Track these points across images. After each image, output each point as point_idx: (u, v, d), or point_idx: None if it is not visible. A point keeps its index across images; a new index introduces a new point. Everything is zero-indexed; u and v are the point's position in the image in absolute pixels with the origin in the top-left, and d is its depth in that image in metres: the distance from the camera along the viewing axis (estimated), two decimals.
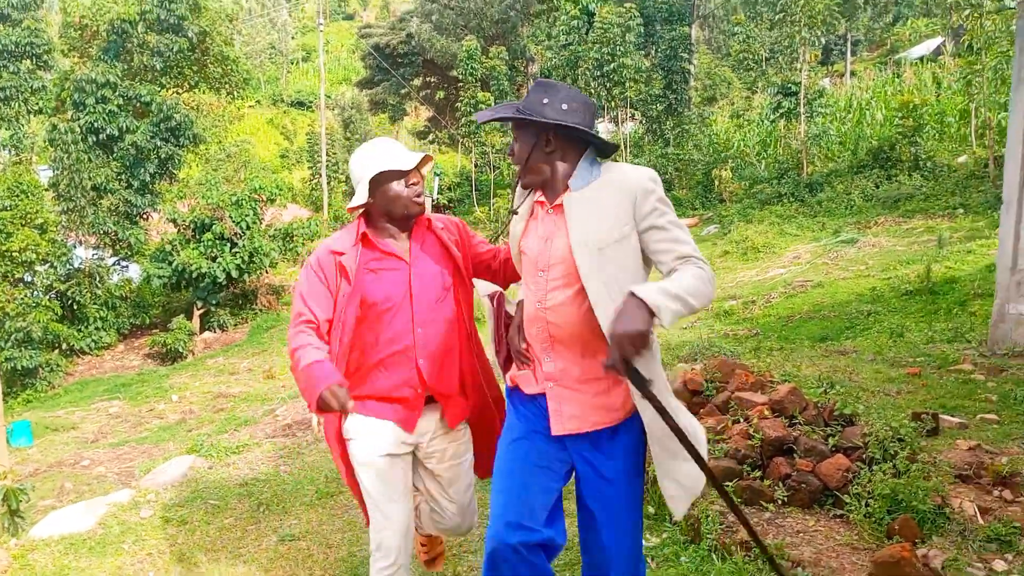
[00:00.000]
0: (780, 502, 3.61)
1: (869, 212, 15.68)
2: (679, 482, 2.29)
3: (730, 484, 3.73)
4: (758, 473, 3.78)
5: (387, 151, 2.58)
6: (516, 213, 2.43)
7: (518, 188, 2.47)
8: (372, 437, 2.65)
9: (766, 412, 4.03)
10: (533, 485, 2.32)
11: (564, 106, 2.28)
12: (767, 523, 3.49)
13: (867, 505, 3.40)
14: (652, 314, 2.00)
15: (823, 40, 19.78)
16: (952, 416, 4.57)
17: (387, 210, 2.59)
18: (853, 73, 32.27)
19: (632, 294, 2.02)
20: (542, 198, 2.38)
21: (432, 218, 2.73)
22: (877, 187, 16.52)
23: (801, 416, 4.04)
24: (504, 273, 2.81)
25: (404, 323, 2.61)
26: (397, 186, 2.56)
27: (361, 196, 2.56)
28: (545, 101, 2.29)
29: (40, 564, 4.00)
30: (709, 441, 4.07)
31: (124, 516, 4.47)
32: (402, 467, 2.71)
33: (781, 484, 3.67)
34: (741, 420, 4.08)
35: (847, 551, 3.24)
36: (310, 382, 2.40)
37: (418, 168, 2.62)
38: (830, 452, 3.76)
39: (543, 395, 2.36)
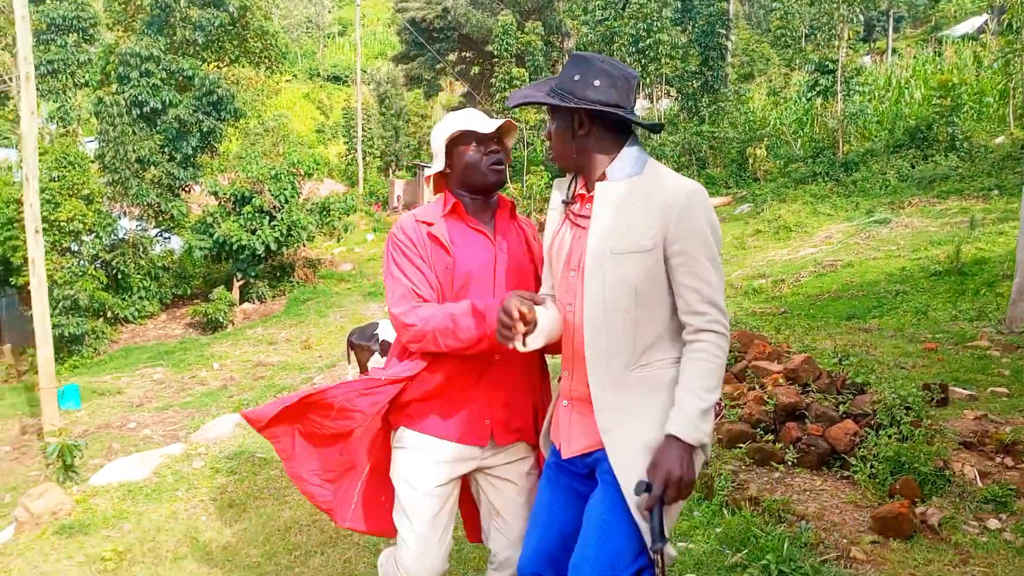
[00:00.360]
0: (790, 463, 3.83)
1: (904, 192, 15.59)
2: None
3: (743, 446, 3.96)
4: (771, 437, 4.00)
5: (468, 116, 2.41)
6: (567, 203, 2.17)
7: (566, 176, 2.23)
8: (429, 459, 2.34)
9: (780, 380, 4.24)
10: (554, 523, 2.19)
11: (596, 83, 2.01)
12: (776, 482, 3.72)
13: (871, 467, 3.60)
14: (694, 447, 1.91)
15: (862, 17, 19.51)
16: (964, 388, 4.74)
17: (464, 178, 2.39)
18: (895, 50, 31.70)
19: (675, 438, 1.90)
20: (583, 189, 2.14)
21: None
22: (913, 167, 16.39)
23: (814, 384, 4.25)
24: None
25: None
26: (474, 151, 2.37)
27: (439, 162, 2.41)
28: (577, 78, 2.03)
29: (101, 508, 4.35)
30: (726, 407, 4.31)
31: (177, 467, 4.81)
32: (453, 496, 2.42)
33: (792, 447, 3.88)
34: (757, 387, 4.29)
35: (850, 508, 3.45)
36: (474, 317, 2.19)
37: (500, 136, 2.43)
38: (840, 418, 3.96)
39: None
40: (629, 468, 1.95)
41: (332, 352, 13.82)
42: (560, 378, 2.20)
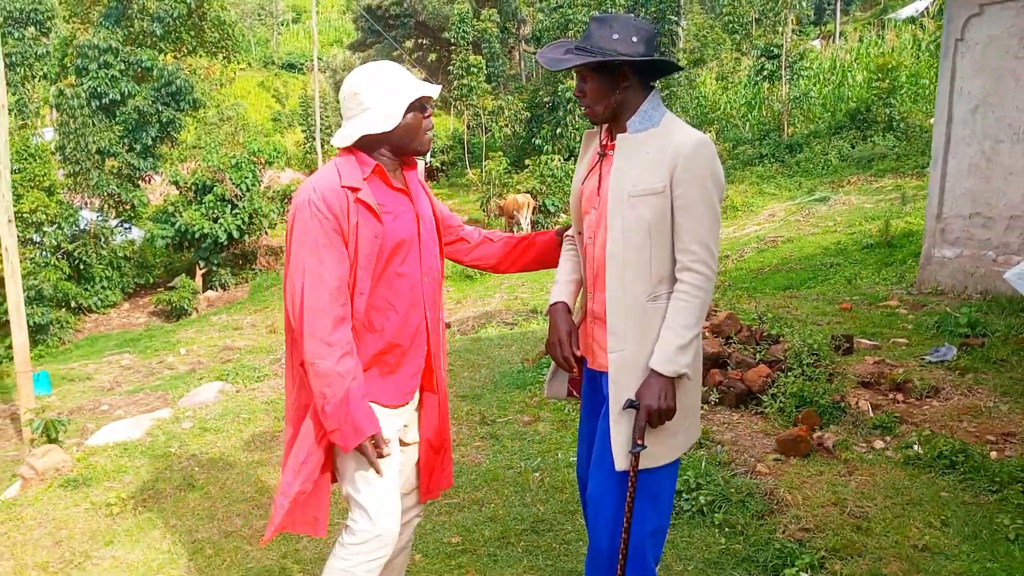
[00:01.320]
0: (713, 403, 4.42)
1: (844, 172, 16.40)
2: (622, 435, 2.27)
3: None
4: None
5: (408, 75, 2.35)
6: (603, 155, 2.34)
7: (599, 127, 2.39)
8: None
9: (707, 334, 4.82)
10: (586, 435, 2.50)
11: (634, 38, 2.17)
12: (701, 418, 4.30)
13: (780, 402, 4.21)
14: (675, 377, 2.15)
15: (804, 4, 20.25)
16: (869, 340, 5.39)
17: (405, 142, 2.33)
18: (842, 34, 32.62)
19: (656, 372, 2.14)
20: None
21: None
22: (853, 147, 17.22)
23: (736, 337, 4.85)
24: (446, 248, 2.67)
25: (414, 269, 2.38)
26: (422, 116, 2.33)
27: (391, 121, 2.26)
28: (616, 36, 2.17)
29: (101, 464, 4.78)
30: None
31: (168, 428, 5.25)
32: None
33: (715, 389, 4.47)
34: None
35: (760, 435, 4.05)
36: (349, 419, 2.19)
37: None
38: (756, 364, 4.56)
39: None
40: (623, 389, 2.21)
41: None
42: (582, 296, 2.46)
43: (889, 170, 15.58)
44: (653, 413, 2.13)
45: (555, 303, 2.45)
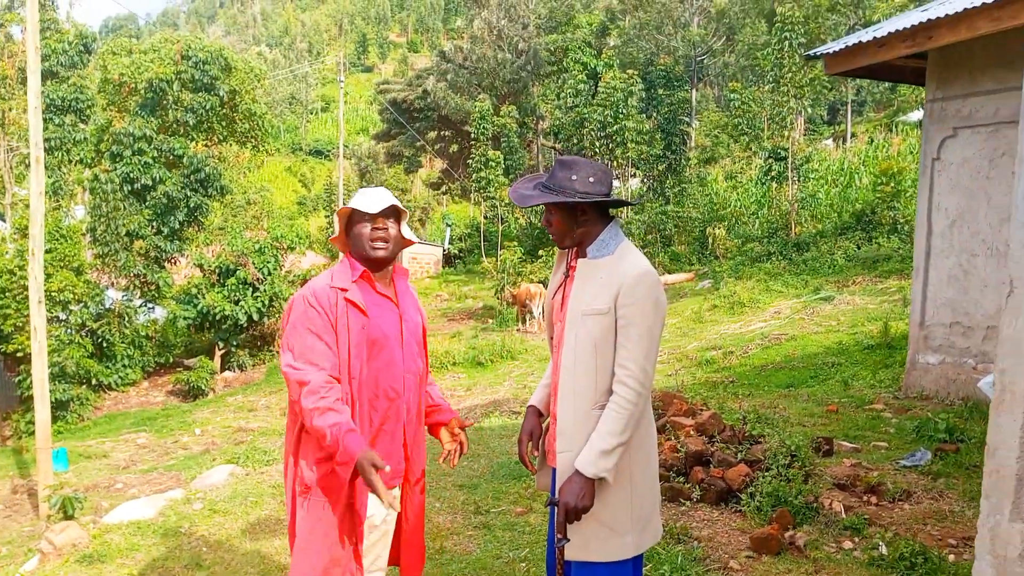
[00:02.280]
0: (695, 499, 4.66)
1: (849, 272, 16.76)
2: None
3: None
4: (681, 478, 4.84)
5: (368, 195, 2.70)
6: (567, 274, 2.66)
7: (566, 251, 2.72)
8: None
9: (692, 432, 5.10)
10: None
11: (591, 179, 2.52)
12: (682, 514, 4.54)
13: (757, 501, 4.45)
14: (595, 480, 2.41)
15: (809, 110, 21.04)
16: (850, 443, 5.62)
17: (354, 248, 2.70)
18: (854, 134, 33.44)
19: (578, 471, 2.40)
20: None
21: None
22: (858, 248, 17.62)
23: (719, 436, 5.11)
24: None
25: (397, 365, 2.67)
26: (361, 227, 2.65)
27: (336, 228, 2.75)
28: (575, 178, 2.52)
29: (115, 541, 5.06)
30: None
31: (179, 508, 5.54)
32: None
33: (697, 486, 4.72)
34: (672, 438, 5.15)
35: (736, 533, 4.28)
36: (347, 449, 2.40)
37: (390, 218, 2.70)
38: (737, 463, 4.81)
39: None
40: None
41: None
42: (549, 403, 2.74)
43: (893, 271, 15.90)
44: (570, 510, 2.38)
45: (529, 405, 2.78)
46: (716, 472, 4.77)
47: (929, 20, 5.99)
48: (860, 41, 6.64)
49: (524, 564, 4.20)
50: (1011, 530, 2.79)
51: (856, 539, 4.18)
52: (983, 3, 5.54)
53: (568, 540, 2.46)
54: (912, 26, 6.16)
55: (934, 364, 6.80)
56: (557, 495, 2.46)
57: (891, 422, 6.23)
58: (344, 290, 2.59)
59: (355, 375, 2.56)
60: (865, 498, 4.68)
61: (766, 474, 4.60)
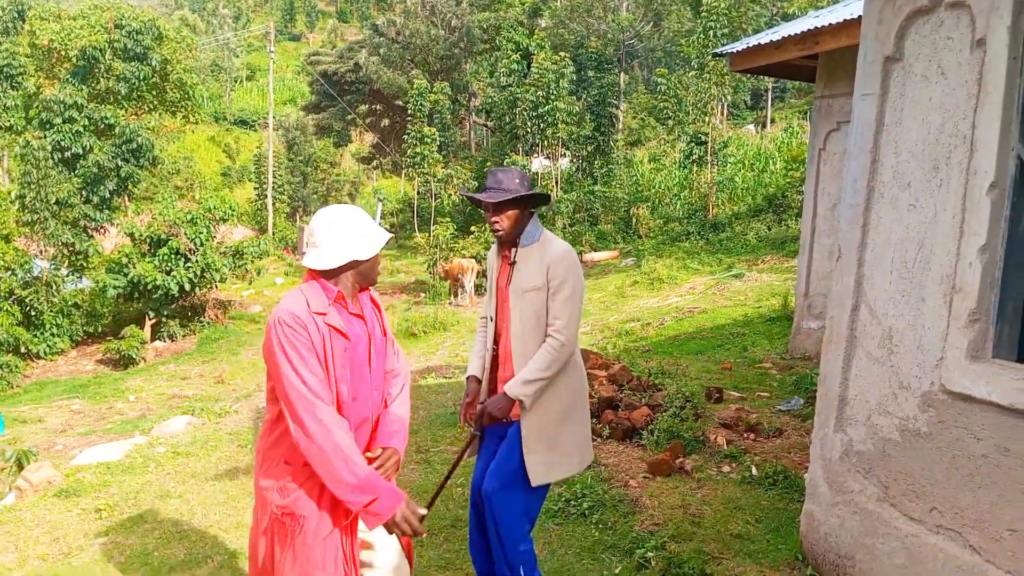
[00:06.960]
0: (604, 436, 5.48)
1: (760, 251, 17.96)
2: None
3: None
4: (594, 420, 5.65)
5: (371, 224, 2.68)
6: (515, 263, 3.21)
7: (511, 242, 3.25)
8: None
9: (604, 382, 5.91)
10: (485, 458, 3.40)
11: (526, 181, 3.17)
12: (594, 448, 5.34)
13: (655, 436, 5.29)
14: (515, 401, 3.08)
15: (730, 97, 22.15)
16: (738, 392, 6.55)
17: (363, 276, 2.67)
18: (774, 120, 34.88)
19: (503, 393, 3.08)
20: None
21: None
22: (769, 229, 18.85)
23: (628, 385, 5.95)
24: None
25: (367, 384, 2.66)
26: (370, 263, 2.66)
27: (376, 245, 2.62)
28: (517, 181, 3.14)
29: (87, 479, 5.58)
30: None
31: (144, 451, 6.07)
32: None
33: (607, 426, 5.54)
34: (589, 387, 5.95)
35: (637, 461, 5.11)
36: (376, 492, 2.42)
37: None
38: (640, 407, 5.64)
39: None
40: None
41: (246, 386, 14.88)
42: (493, 369, 3.32)
43: (799, 251, 17.11)
44: (485, 414, 3.12)
45: (469, 376, 3.43)
46: (623, 414, 5.60)
47: (817, 28, 6.87)
48: (760, 43, 7.51)
49: (460, 488, 4.95)
50: (834, 439, 3.66)
51: (733, 464, 5.06)
52: (859, 16, 6.45)
53: (479, 434, 3.26)
54: (803, 32, 7.04)
55: (815, 329, 7.78)
56: (483, 404, 3.18)
57: (776, 377, 7.20)
58: (323, 314, 2.52)
59: (344, 400, 2.55)
60: (745, 435, 5.57)
61: (664, 414, 5.45)
